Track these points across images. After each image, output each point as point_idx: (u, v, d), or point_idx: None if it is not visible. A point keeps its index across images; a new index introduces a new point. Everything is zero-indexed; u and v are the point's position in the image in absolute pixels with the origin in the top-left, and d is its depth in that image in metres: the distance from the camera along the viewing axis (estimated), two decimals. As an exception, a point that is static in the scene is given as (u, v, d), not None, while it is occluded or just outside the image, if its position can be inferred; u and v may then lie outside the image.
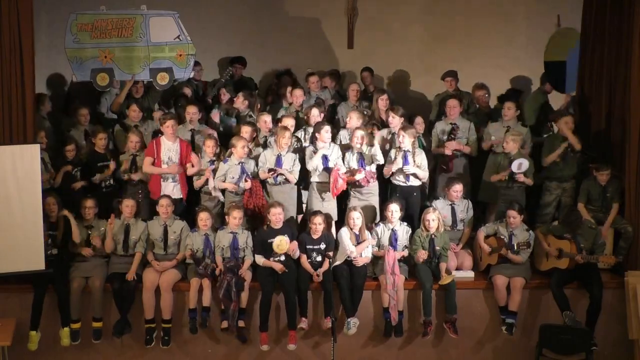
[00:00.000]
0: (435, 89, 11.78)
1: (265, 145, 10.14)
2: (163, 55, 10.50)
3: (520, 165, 9.92)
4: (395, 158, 9.87)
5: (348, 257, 9.48)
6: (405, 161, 9.84)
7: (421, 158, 9.95)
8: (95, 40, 10.31)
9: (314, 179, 9.86)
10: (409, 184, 9.95)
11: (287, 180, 9.79)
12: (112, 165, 10.00)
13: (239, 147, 9.70)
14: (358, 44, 12.52)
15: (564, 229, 9.59)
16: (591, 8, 10.68)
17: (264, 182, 9.84)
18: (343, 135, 10.30)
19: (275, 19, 12.44)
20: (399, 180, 9.95)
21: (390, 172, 9.92)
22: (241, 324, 9.33)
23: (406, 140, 9.83)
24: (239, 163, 9.74)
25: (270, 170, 9.71)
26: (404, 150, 9.84)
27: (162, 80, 10.64)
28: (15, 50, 9.24)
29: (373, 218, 9.92)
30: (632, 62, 9.61)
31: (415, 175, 9.92)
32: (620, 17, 10.06)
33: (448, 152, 10.34)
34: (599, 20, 10.49)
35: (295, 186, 9.99)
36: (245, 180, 9.70)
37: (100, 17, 10.31)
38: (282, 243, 9.31)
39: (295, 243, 9.45)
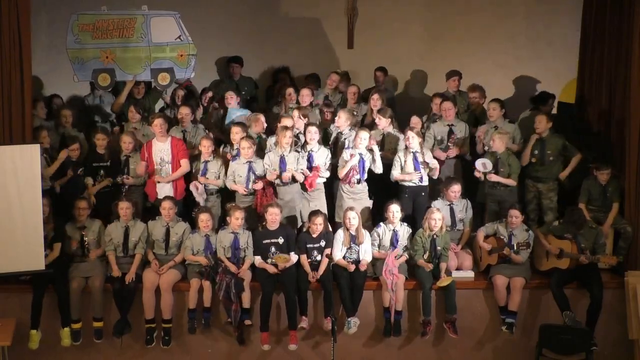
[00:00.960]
0: (435, 88, 11.79)
1: (260, 145, 10.15)
2: (164, 55, 10.49)
3: (485, 165, 9.95)
4: (405, 160, 9.90)
5: (346, 258, 9.51)
6: (415, 163, 9.87)
7: (429, 156, 10.00)
8: (97, 41, 10.30)
9: (300, 179, 9.84)
10: (420, 184, 9.98)
11: (294, 180, 9.82)
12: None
13: (246, 148, 9.72)
14: (358, 44, 12.50)
15: (565, 229, 9.58)
16: (591, 8, 10.72)
17: (272, 183, 9.85)
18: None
19: (275, 19, 12.43)
20: (410, 180, 9.96)
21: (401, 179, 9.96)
22: (248, 322, 9.33)
23: (415, 141, 9.85)
24: (246, 162, 9.76)
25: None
26: (413, 152, 9.87)
27: (163, 80, 10.64)
28: (15, 50, 9.23)
29: (367, 218, 9.92)
30: (632, 62, 9.59)
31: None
32: (620, 17, 10.07)
33: (452, 154, 10.38)
34: (599, 20, 10.52)
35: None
36: (255, 181, 9.73)
37: (101, 17, 10.29)
38: (280, 259, 9.33)
39: (293, 259, 9.46)
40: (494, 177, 9.99)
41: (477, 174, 10.07)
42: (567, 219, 9.59)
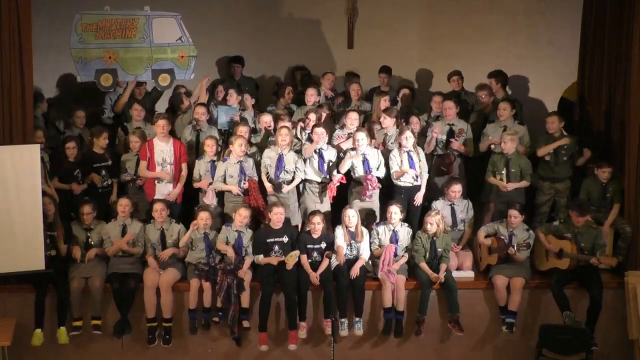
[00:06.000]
0: (436, 88, 11.79)
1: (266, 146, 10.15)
2: (165, 56, 10.50)
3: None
4: (402, 159, 9.90)
5: (346, 255, 9.50)
6: (411, 162, 9.87)
7: (422, 157, 10.00)
8: (100, 41, 10.30)
9: (307, 176, 9.88)
10: (415, 184, 9.97)
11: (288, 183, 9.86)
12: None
13: (237, 146, 9.73)
14: (358, 44, 12.49)
15: (565, 228, 9.58)
16: (591, 8, 10.73)
17: (262, 183, 9.86)
18: (336, 135, 10.36)
19: (275, 19, 12.41)
20: (405, 180, 9.95)
21: (401, 174, 9.94)
22: (245, 324, 9.32)
23: (409, 141, 9.85)
24: (237, 162, 9.77)
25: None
26: (407, 151, 9.87)
27: (164, 81, 10.65)
28: (15, 50, 9.24)
29: (373, 219, 9.92)
30: (632, 62, 9.59)
31: None
32: (620, 17, 10.07)
33: (455, 146, 10.40)
34: (599, 20, 10.52)
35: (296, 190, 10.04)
36: (244, 182, 9.74)
37: (104, 17, 10.30)
38: (292, 257, 9.32)
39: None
40: (510, 186, 10.00)
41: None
42: (573, 203, 9.54)
